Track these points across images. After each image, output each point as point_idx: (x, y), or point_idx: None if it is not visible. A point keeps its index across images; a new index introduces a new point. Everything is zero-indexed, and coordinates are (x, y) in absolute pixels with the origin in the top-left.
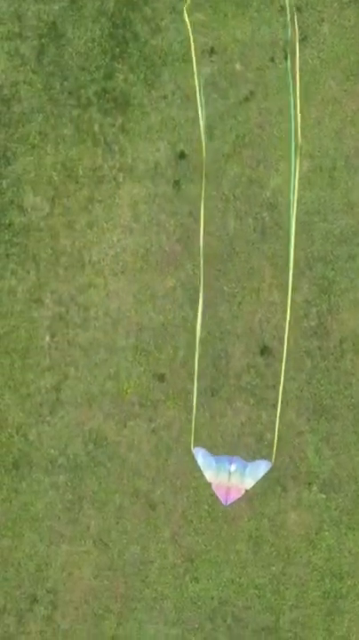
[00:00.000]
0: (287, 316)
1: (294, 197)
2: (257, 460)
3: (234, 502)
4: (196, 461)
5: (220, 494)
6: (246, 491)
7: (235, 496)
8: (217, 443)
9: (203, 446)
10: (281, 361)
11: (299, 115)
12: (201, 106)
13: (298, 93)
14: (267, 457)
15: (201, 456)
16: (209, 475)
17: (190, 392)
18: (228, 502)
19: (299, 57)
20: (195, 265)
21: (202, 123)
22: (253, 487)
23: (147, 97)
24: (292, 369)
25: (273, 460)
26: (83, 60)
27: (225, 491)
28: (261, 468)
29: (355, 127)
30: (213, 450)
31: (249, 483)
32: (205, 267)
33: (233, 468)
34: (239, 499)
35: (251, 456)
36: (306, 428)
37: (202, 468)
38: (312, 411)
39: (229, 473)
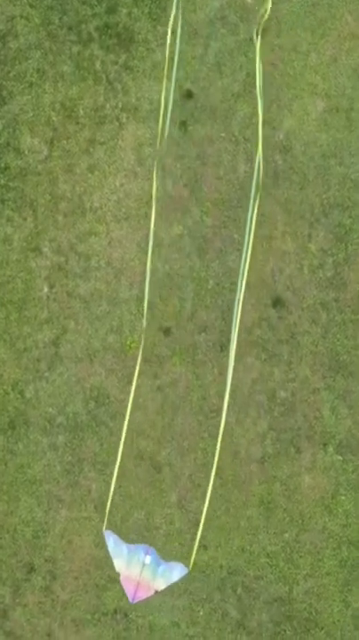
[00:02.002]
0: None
1: (253, 213)
2: (172, 561)
3: (141, 601)
4: (106, 546)
5: (128, 589)
6: (156, 592)
7: (143, 595)
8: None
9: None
10: (293, 313)
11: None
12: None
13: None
14: (279, 416)
15: (112, 541)
16: (118, 564)
17: (198, 346)
18: (135, 600)
19: None
20: (204, 211)
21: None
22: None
23: (152, 32)
24: (307, 322)
25: (190, 566)
26: None
27: (134, 586)
28: (175, 572)
29: None
30: (221, 409)
31: (160, 584)
32: (214, 213)
33: (147, 560)
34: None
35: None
36: (321, 385)
37: (112, 556)
38: (328, 367)
39: (143, 565)
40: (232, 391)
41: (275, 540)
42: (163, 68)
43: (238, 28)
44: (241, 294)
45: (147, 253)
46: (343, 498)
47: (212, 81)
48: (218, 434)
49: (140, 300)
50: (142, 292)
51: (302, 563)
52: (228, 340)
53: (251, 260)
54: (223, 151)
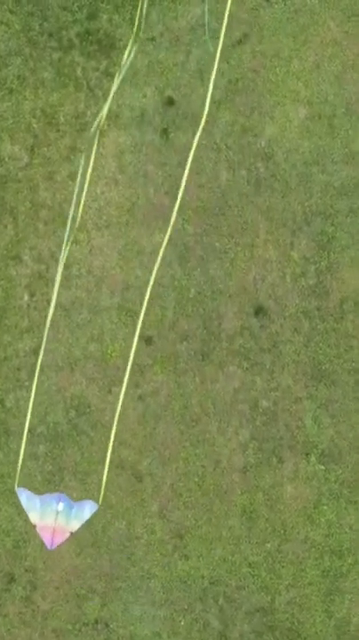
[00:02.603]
0: None
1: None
2: (82, 500)
3: (60, 545)
4: (20, 503)
5: (45, 537)
6: (71, 534)
7: (59, 539)
8: (208, 410)
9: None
10: (275, 322)
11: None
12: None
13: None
14: (261, 425)
15: (24, 497)
16: (33, 516)
17: (179, 355)
18: (54, 546)
19: None
20: (185, 219)
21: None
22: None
23: (133, 38)
24: (289, 331)
25: (100, 501)
26: None
27: (50, 533)
28: (86, 509)
29: (356, 71)
30: (203, 418)
31: (74, 525)
32: (195, 221)
33: (60, 507)
34: (65, 541)
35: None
36: (303, 395)
37: (26, 510)
38: (310, 376)
39: (57, 512)
40: (213, 400)
41: (257, 549)
42: (144, 75)
43: (219, 35)
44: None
45: (128, 261)
46: (325, 508)
47: (194, 88)
48: (199, 443)
49: (122, 308)
50: (124, 299)
51: (284, 573)
52: (210, 349)
53: (232, 268)
54: (205, 159)
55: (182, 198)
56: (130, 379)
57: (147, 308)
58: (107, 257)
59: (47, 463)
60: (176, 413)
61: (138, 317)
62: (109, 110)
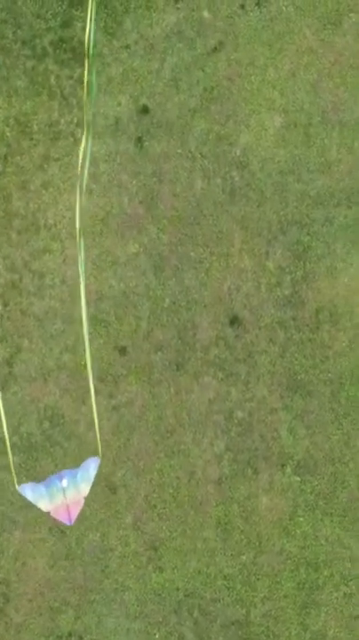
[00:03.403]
0: None
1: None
2: (84, 461)
3: (78, 517)
4: (26, 499)
5: (62, 517)
6: (85, 498)
7: (76, 510)
8: (183, 421)
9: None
10: (250, 332)
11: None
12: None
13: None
14: (236, 436)
15: (29, 491)
16: (43, 505)
17: (154, 366)
18: (73, 519)
19: (273, 3)
20: (160, 228)
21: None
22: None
23: (107, 47)
24: (264, 341)
25: (100, 455)
26: (38, 6)
27: (65, 511)
28: (91, 467)
29: (332, 80)
30: (177, 429)
31: (85, 489)
32: (171, 230)
33: (64, 483)
34: (83, 510)
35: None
36: (279, 405)
37: (34, 502)
38: (285, 386)
39: (63, 490)
40: (188, 411)
41: (232, 562)
42: (119, 83)
43: (195, 43)
44: None
45: (102, 271)
46: (301, 519)
47: (169, 96)
48: (174, 454)
49: (96, 318)
50: (98, 310)
51: (259, 585)
52: (185, 359)
53: (207, 278)
54: (179, 168)
55: (156, 208)
56: (103, 389)
57: (121, 318)
58: None
59: (21, 474)
60: (150, 424)
61: (112, 328)
62: (82, 118)
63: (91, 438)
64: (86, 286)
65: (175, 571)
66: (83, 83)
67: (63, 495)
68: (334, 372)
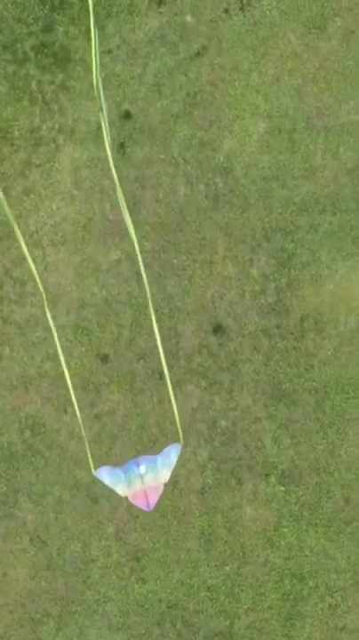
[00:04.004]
0: None
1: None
2: (165, 447)
3: (157, 503)
4: (104, 483)
5: (141, 503)
6: (165, 485)
7: (155, 497)
8: (165, 430)
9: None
10: (233, 340)
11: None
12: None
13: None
14: (219, 446)
15: (106, 475)
16: (121, 489)
17: (136, 374)
18: (152, 506)
19: (257, 8)
20: (143, 236)
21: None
22: (175, 477)
23: (89, 52)
24: (248, 349)
25: (181, 441)
26: (19, 10)
27: (144, 497)
28: (172, 454)
29: (316, 85)
30: (160, 438)
31: (165, 475)
32: (153, 237)
33: (142, 469)
34: (161, 497)
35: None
36: (263, 415)
37: (112, 487)
38: (269, 395)
39: (141, 476)
40: (171, 420)
41: (215, 573)
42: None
43: (178, 48)
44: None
45: (84, 279)
46: (285, 530)
47: (151, 101)
48: None
49: (78, 326)
50: (80, 317)
51: (243, 596)
52: (168, 368)
53: (190, 285)
54: (162, 173)
55: (138, 214)
56: (85, 397)
57: (103, 325)
58: (62, 274)
59: (1, 484)
60: (132, 433)
61: (94, 335)
62: (64, 124)
63: (74, 447)
64: (68, 293)
65: (158, 582)
66: (64, 88)
67: (141, 481)
68: (319, 380)
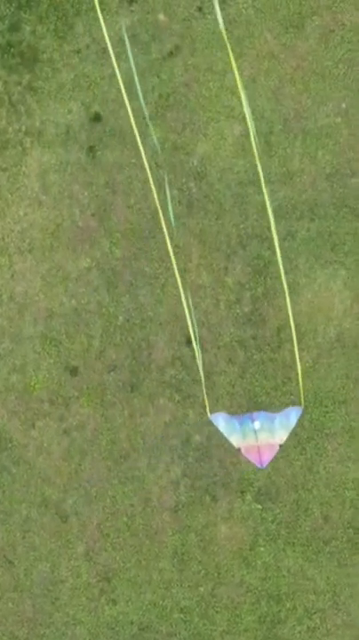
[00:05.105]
0: None
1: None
2: (285, 409)
3: (270, 461)
4: (218, 428)
5: (253, 458)
6: (280, 446)
7: (269, 455)
8: (137, 446)
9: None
10: (208, 352)
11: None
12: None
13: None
14: (193, 462)
15: (222, 421)
16: (235, 440)
17: (107, 387)
18: (264, 464)
19: (232, 6)
20: (113, 242)
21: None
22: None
23: (57, 51)
24: (223, 361)
25: (302, 404)
26: None
27: (256, 452)
28: (292, 415)
29: (294, 86)
30: (131, 453)
31: (282, 435)
32: (124, 244)
33: (257, 425)
34: (275, 456)
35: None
36: None
37: (226, 435)
38: (246, 409)
39: (255, 432)
40: (143, 435)
41: (189, 594)
42: (70, 90)
43: (150, 47)
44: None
45: (53, 287)
46: (262, 549)
47: (122, 103)
48: (128, 480)
49: (46, 337)
50: (48, 328)
51: (218, 618)
52: (139, 380)
53: (163, 294)
54: (134, 178)
55: (109, 220)
56: (54, 411)
57: (73, 336)
58: (29, 283)
59: None
60: (103, 449)
61: (63, 347)
62: (32, 127)
63: (42, 463)
64: (35, 303)
65: (129, 603)
66: (31, 89)
67: (255, 436)
68: (296, 393)
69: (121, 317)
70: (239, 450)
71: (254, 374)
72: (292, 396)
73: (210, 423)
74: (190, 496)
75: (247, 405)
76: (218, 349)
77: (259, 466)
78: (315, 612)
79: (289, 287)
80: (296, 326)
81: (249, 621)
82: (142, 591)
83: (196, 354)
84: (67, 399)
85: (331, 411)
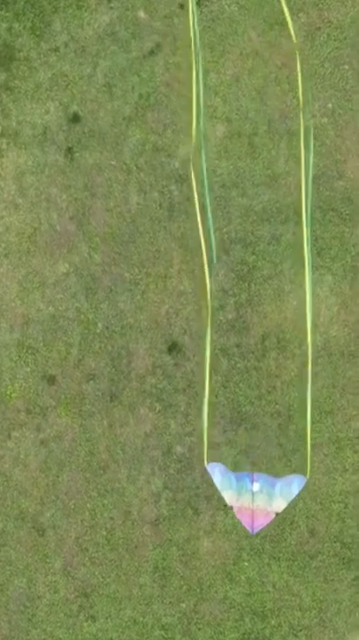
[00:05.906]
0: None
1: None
2: (288, 475)
3: (262, 529)
4: (212, 480)
5: (245, 521)
6: (277, 514)
7: (263, 523)
8: (117, 457)
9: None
10: (190, 360)
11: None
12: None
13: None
14: (175, 474)
15: (218, 473)
16: (228, 497)
17: (85, 396)
18: (255, 530)
19: (214, 2)
20: (92, 247)
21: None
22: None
23: (34, 49)
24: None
25: (308, 474)
26: None
27: (249, 516)
28: (294, 484)
29: (279, 86)
30: (111, 465)
31: (280, 504)
32: (103, 249)
33: (256, 487)
34: (269, 524)
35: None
36: (221, 440)
37: (220, 489)
38: (229, 419)
39: (252, 494)
40: (123, 446)
41: (170, 610)
42: (47, 89)
43: (130, 45)
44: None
45: (29, 293)
46: (246, 564)
47: (102, 103)
48: (107, 493)
49: (22, 344)
50: (24, 335)
51: (201, 635)
52: (119, 389)
53: (144, 300)
54: (113, 181)
55: (87, 224)
56: (30, 421)
57: (50, 344)
58: (6, 288)
59: None
60: (81, 460)
61: (40, 355)
62: (8, 127)
63: (18, 475)
64: (12, 309)
65: (108, 620)
66: (7, 88)
67: (251, 498)
68: (282, 403)
69: (100, 324)
70: (231, 508)
71: (238, 383)
72: (277, 406)
73: (191, 434)
74: (172, 509)
75: (230, 415)
76: (200, 357)
77: (248, 530)
78: (300, 629)
79: (274, 293)
80: (281, 333)
81: (232, 638)
82: (122, 607)
83: (205, 383)
84: (44, 409)
85: (317, 421)
